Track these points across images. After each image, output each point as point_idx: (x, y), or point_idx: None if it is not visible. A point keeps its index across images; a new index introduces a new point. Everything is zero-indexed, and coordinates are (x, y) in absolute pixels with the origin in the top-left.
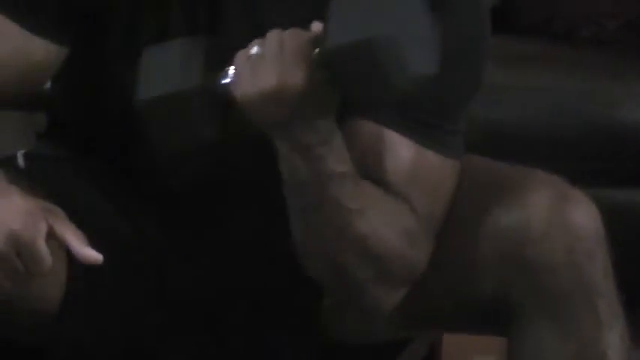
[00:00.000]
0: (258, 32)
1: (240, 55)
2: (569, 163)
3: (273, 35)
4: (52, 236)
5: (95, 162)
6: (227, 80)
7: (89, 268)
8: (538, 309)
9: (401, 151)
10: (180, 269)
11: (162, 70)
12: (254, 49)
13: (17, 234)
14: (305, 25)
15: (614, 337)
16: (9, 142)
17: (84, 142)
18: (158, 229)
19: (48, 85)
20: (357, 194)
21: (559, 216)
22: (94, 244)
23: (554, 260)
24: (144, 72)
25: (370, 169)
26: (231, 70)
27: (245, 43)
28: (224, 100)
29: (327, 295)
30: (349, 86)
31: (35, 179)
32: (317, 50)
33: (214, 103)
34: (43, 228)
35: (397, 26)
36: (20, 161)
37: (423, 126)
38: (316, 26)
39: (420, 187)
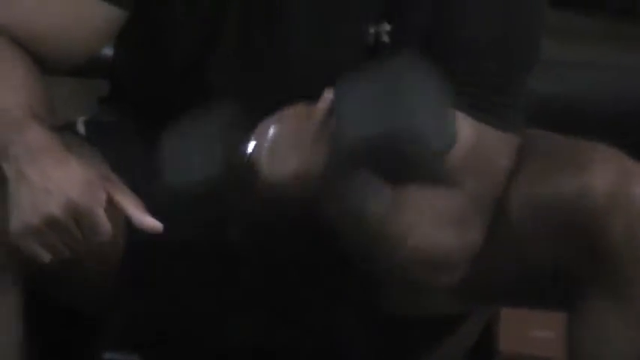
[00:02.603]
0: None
1: (258, 135)
2: (630, 138)
3: (288, 119)
4: (110, 204)
5: (155, 128)
6: (249, 154)
7: (148, 236)
8: (597, 282)
9: (459, 129)
10: (239, 242)
11: (185, 157)
12: (271, 132)
13: (76, 202)
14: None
15: None
16: (69, 108)
17: (144, 109)
18: None
19: (111, 50)
20: (405, 213)
21: (621, 190)
22: (152, 211)
23: (614, 234)
24: (166, 158)
25: None
26: (252, 145)
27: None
28: (249, 179)
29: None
30: (370, 169)
31: (95, 145)
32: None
33: (240, 184)
34: (101, 196)
35: (413, 112)
36: (80, 127)
37: (481, 101)
38: (326, 100)
39: (474, 169)
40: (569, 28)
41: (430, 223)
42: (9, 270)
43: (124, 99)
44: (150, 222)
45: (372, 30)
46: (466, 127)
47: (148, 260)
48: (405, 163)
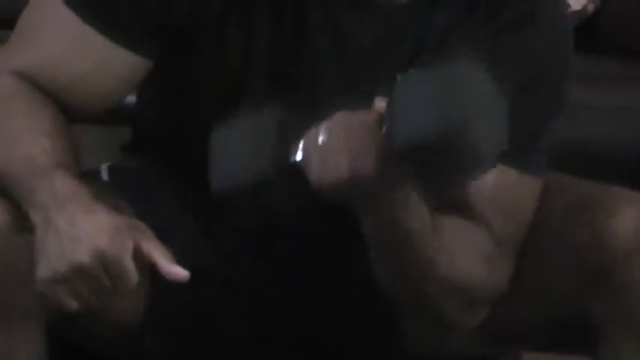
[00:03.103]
0: (340, 44)
1: (308, 141)
2: None
3: (339, 124)
4: (137, 253)
5: (178, 176)
6: (299, 159)
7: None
8: (621, 329)
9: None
10: (261, 286)
11: (234, 155)
12: (321, 137)
13: (104, 250)
14: (386, 36)
15: None
16: (93, 155)
17: (167, 156)
18: (238, 247)
19: (133, 98)
20: (436, 239)
21: None
22: (177, 259)
23: (636, 277)
24: (215, 157)
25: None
26: (302, 149)
27: (329, 59)
28: (299, 179)
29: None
30: (420, 177)
31: (119, 192)
32: (384, 129)
33: (290, 184)
34: (129, 245)
35: (463, 115)
36: (104, 174)
37: (523, 151)
38: (379, 105)
39: (500, 210)
40: (592, 71)
41: (460, 256)
42: (35, 313)
43: (146, 146)
44: (176, 271)
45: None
46: (491, 170)
47: (173, 305)
48: (456, 165)
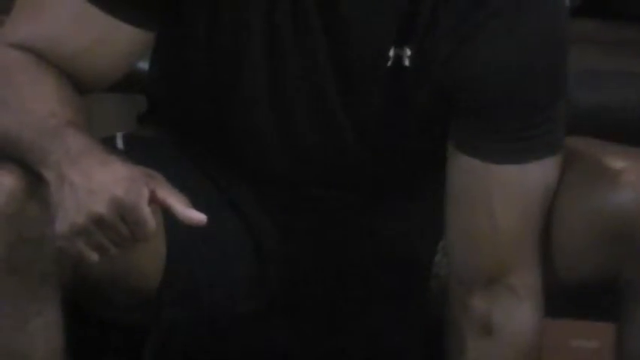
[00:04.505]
0: (329, 21)
1: None
2: None
3: None
4: (154, 201)
5: (193, 144)
6: None
7: (188, 248)
8: None
9: (507, 192)
10: (280, 252)
11: None
12: None
13: (120, 198)
14: (374, 12)
15: None
16: (109, 123)
17: (181, 124)
18: (257, 210)
19: (147, 66)
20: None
21: None
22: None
23: None
24: None
25: (482, 228)
26: None
27: (319, 34)
28: None
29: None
30: None
31: (134, 160)
32: None
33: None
34: (145, 192)
35: None
36: (119, 142)
37: (520, 141)
38: None
39: (531, 236)
40: (610, 38)
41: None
42: (51, 279)
43: (161, 115)
44: (194, 214)
45: (391, 53)
46: (514, 182)
47: (190, 270)
48: None
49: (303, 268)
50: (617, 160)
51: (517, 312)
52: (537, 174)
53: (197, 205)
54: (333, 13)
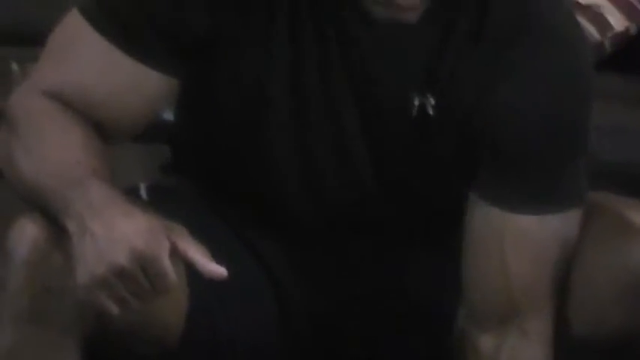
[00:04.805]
0: (352, 65)
1: None
2: None
3: None
4: (175, 254)
5: (215, 193)
6: None
7: (210, 298)
8: None
9: (521, 241)
10: (302, 302)
11: None
12: None
13: (141, 251)
14: (396, 61)
15: None
16: (132, 173)
17: (204, 174)
18: (279, 259)
19: (172, 116)
20: None
21: None
22: None
23: None
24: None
25: (495, 284)
26: None
27: (343, 77)
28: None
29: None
30: None
31: (157, 211)
32: None
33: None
34: (165, 245)
35: None
36: (143, 193)
37: (541, 193)
38: None
39: (546, 280)
40: (634, 93)
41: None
42: (73, 329)
43: (184, 165)
44: (214, 268)
45: (416, 102)
46: (528, 233)
47: (212, 319)
48: None
49: (324, 316)
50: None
51: (526, 354)
52: (555, 225)
53: (219, 256)
54: (357, 63)
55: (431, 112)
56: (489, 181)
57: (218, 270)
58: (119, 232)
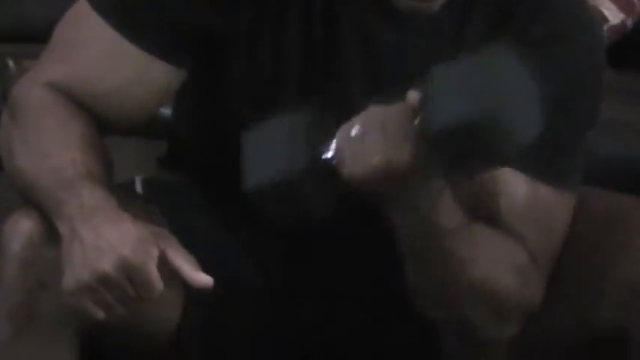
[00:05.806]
0: (368, 56)
1: (342, 134)
2: None
3: (372, 115)
4: (164, 261)
5: (212, 188)
6: (331, 155)
7: (204, 296)
8: None
9: (515, 188)
10: (293, 298)
11: (267, 155)
12: (355, 130)
13: (127, 259)
14: (414, 49)
15: None
16: (129, 167)
17: (202, 169)
18: (272, 257)
19: (168, 111)
20: (470, 242)
21: None
22: (208, 271)
23: None
24: (248, 156)
25: (484, 208)
26: (334, 145)
27: (358, 69)
28: (331, 176)
29: (442, 330)
30: (455, 161)
31: (152, 204)
32: (418, 120)
33: (322, 181)
34: (153, 253)
35: (500, 99)
36: (138, 186)
37: (538, 160)
38: (412, 96)
39: (533, 225)
40: (631, 87)
41: (494, 264)
42: (70, 325)
43: (181, 159)
44: (200, 277)
45: None
46: (522, 184)
47: (206, 318)
48: (490, 151)
49: (319, 312)
50: (632, 213)
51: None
52: (566, 203)
53: (212, 251)
54: (377, 55)
55: None
56: None
57: (204, 279)
58: (107, 239)
